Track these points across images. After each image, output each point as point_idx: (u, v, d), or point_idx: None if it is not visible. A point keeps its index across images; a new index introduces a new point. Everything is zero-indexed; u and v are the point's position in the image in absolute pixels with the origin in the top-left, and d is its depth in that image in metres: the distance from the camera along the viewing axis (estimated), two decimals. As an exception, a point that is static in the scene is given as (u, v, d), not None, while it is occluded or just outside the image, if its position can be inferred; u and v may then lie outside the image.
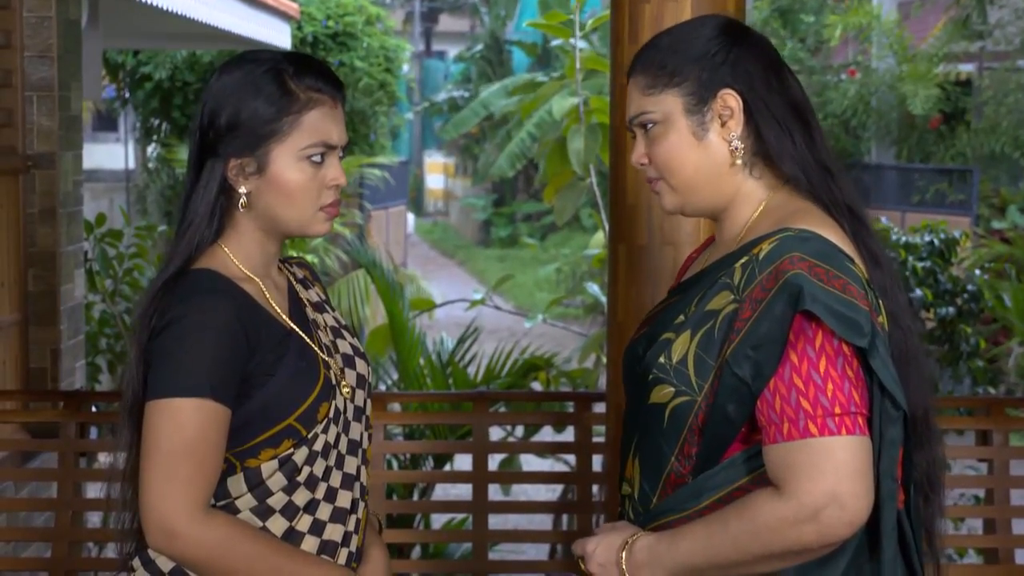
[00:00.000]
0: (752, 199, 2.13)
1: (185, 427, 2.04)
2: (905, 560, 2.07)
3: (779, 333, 1.95)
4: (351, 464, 2.22)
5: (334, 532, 2.18)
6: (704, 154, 2.12)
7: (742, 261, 2.04)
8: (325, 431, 2.16)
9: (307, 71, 2.17)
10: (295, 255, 2.41)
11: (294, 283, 2.31)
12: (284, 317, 2.19)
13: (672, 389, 2.04)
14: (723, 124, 2.11)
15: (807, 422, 1.92)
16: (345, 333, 2.33)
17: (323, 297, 2.36)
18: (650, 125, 2.14)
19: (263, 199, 2.17)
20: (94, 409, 4.49)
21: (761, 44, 2.16)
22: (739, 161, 2.11)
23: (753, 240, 2.06)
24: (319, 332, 2.25)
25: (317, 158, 2.16)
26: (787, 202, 2.11)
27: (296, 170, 2.15)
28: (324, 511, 2.17)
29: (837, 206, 2.09)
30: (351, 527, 2.23)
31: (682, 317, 2.09)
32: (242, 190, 2.16)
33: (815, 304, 1.92)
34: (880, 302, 2.05)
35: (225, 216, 2.18)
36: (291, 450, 2.13)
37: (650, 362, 2.08)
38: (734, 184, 2.13)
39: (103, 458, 5.82)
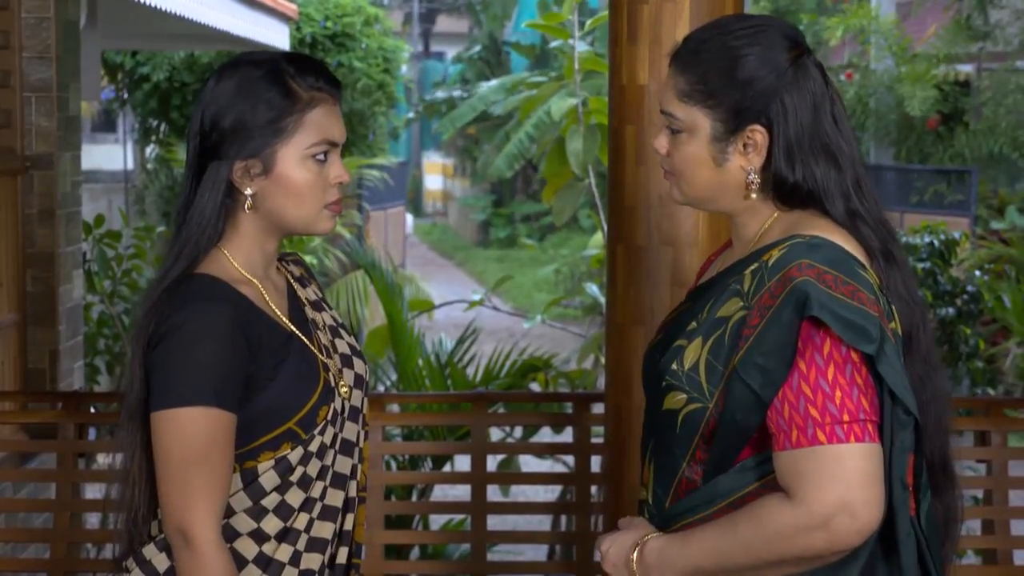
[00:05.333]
0: (764, 210, 2.12)
1: (194, 436, 2.06)
2: (921, 567, 2.05)
3: (787, 340, 1.94)
4: (344, 464, 2.23)
5: (323, 530, 2.19)
6: (719, 176, 2.10)
7: (752, 268, 2.03)
8: (322, 433, 2.18)
9: (307, 70, 2.19)
10: (290, 252, 2.41)
11: (292, 282, 2.31)
12: (284, 320, 2.20)
13: (684, 396, 2.04)
14: (745, 154, 2.08)
15: (815, 430, 1.91)
16: (342, 332, 2.33)
17: (320, 295, 2.37)
18: (676, 129, 2.11)
19: (269, 200, 2.18)
20: (92, 410, 4.49)
21: (809, 77, 2.07)
22: (753, 195, 2.09)
23: (764, 247, 2.06)
24: (318, 332, 2.26)
25: (321, 156, 2.18)
26: (796, 211, 2.10)
27: (302, 169, 2.17)
28: (316, 510, 2.18)
29: (867, 245, 2.05)
30: (346, 526, 2.25)
31: (694, 323, 2.08)
32: (248, 192, 2.17)
33: (822, 311, 1.91)
34: (892, 307, 2.03)
35: (228, 218, 2.19)
36: (288, 451, 2.15)
37: (664, 368, 2.08)
38: (746, 203, 2.11)
39: (102, 459, 5.83)
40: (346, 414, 2.24)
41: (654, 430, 2.13)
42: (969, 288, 7.18)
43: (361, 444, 2.28)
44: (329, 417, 2.18)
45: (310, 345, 2.21)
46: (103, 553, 5.60)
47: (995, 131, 14.82)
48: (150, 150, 14.52)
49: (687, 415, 2.04)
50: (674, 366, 2.05)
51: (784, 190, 2.08)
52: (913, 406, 1.97)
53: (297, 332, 2.20)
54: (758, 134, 2.06)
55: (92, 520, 5.80)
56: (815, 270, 1.95)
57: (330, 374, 2.21)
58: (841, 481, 1.89)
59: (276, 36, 9.80)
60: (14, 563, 4.63)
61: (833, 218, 2.06)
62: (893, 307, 2.04)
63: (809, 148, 2.06)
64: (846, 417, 1.91)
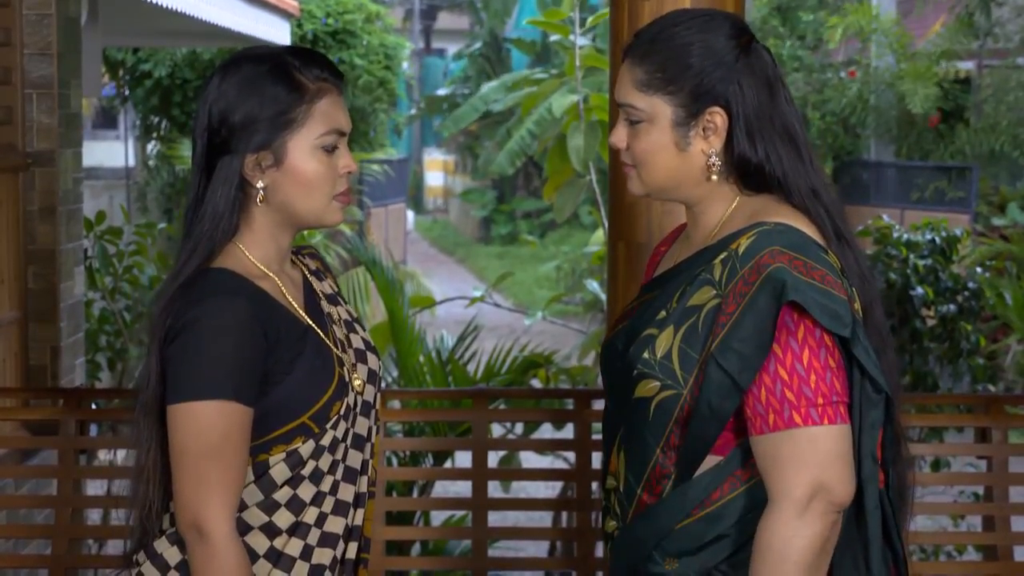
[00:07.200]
0: (725, 197, 2.17)
1: (210, 430, 2.06)
2: (886, 538, 2.12)
3: (764, 326, 2.00)
4: (355, 458, 2.24)
5: (334, 525, 2.20)
6: (681, 162, 2.15)
7: (721, 257, 2.08)
8: (335, 427, 2.18)
9: (311, 62, 2.21)
10: (307, 245, 2.41)
11: (308, 275, 2.32)
12: (301, 313, 2.20)
13: (658, 383, 2.08)
14: (706, 138, 2.13)
15: (791, 412, 1.97)
16: (357, 327, 2.34)
17: (336, 289, 2.37)
18: (635, 120, 2.16)
19: (281, 192, 2.19)
20: (94, 406, 4.49)
21: (762, 60, 2.16)
22: (714, 176, 2.14)
23: (730, 235, 2.11)
24: (334, 326, 2.27)
25: (331, 146, 2.19)
26: (757, 197, 2.15)
27: (313, 160, 2.18)
28: (327, 504, 2.19)
29: (822, 226, 2.12)
30: (356, 520, 2.25)
31: (663, 313, 2.12)
32: (260, 184, 2.18)
33: (799, 296, 1.98)
34: (854, 289, 2.10)
35: (241, 212, 2.19)
36: (299, 445, 2.15)
37: (634, 358, 2.11)
38: (708, 187, 2.16)
39: (103, 455, 5.83)
40: (359, 409, 2.24)
41: (622, 418, 2.16)
42: (970, 285, 7.17)
43: (373, 439, 2.29)
44: (342, 412, 2.19)
45: (325, 339, 2.21)
46: (105, 549, 5.62)
47: (996, 128, 14.82)
48: (151, 147, 14.52)
49: (660, 402, 2.07)
50: (646, 355, 2.09)
51: (747, 172, 2.14)
52: (885, 384, 2.04)
53: (313, 326, 2.21)
54: (718, 116, 2.12)
55: (93, 516, 5.81)
56: (786, 256, 2.01)
57: (344, 368, 2.22)
58: (815, 464, 1.96)
59: (277, 33, 9.80)
60: (16, 559, 4.64)
61: (792, 202, 2.12)
62: (852, 287, 2.10)
63: (769, 127, 2.12)
64: (820, 400, 1.98)
